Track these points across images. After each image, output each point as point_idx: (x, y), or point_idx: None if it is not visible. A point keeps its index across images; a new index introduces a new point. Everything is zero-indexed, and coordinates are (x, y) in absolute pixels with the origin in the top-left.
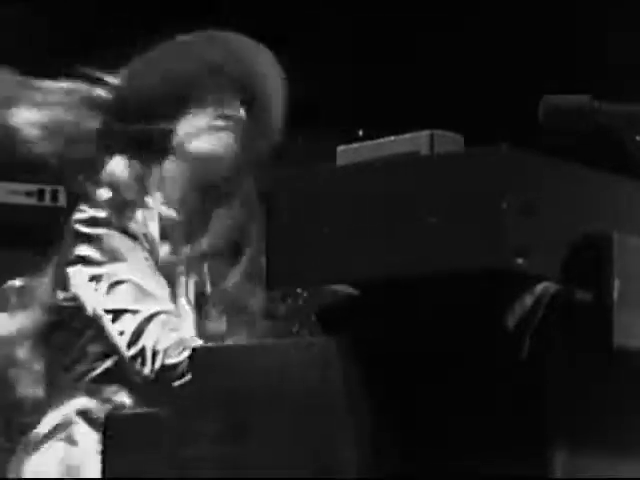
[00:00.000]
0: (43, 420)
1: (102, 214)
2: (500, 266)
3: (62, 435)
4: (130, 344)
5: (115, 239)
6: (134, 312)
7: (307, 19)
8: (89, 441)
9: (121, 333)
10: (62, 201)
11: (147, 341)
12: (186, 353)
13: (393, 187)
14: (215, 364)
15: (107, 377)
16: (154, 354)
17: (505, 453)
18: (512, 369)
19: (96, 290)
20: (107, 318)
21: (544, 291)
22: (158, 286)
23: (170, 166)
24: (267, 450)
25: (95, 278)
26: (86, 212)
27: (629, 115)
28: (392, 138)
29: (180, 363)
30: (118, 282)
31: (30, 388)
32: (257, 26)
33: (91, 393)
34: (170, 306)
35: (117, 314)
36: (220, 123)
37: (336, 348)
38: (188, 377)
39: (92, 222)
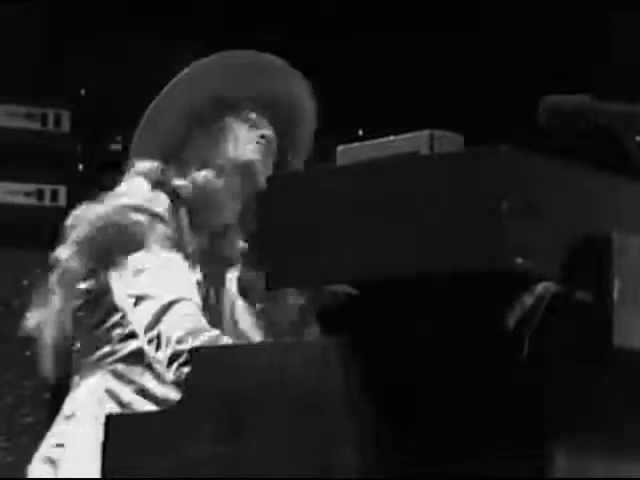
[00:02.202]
0: (71, 396)
1: (135, 201)
2: (500, 266)
3: (92, 413)
4: (147, 329)
5: (144, 229)
6: (154, 298)
7: (307, 19)
8: None
9: (140, 317)
10: (62, 201)
11: (163, 327)
12: (199, 340)
13: (393, 187)
14: (215, 364)
15: (132, 359)
16: (168, 340)
17: (505, 453)
18: (512, 369)
19: (121, 276)
20: (130, 302)
21: (544, 291)
22: (181, 274)
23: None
24: (267, 450)
25: (120, 265)
26: (121, 205)
27: (629, 115)
28: (392, 138)
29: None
30: (141, 269)
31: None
32: (257, 26)
33: (117, 374)
34: (191, 295)
35: (139, 299)
36: (260, 139)
37: (336, 348)
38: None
39: (125, 213)
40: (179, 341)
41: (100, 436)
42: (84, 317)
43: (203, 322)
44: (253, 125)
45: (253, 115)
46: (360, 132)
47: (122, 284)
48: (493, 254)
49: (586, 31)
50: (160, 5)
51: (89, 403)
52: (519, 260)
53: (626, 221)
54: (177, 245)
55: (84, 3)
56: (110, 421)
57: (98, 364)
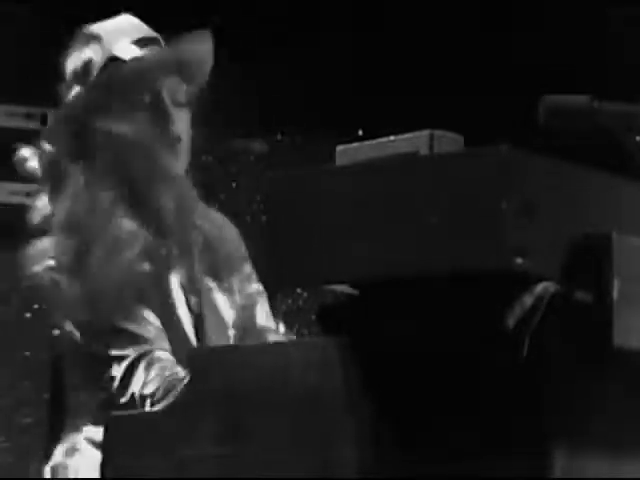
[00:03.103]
0: (58, 448)
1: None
2: (500, 266)
3: (67, 463)
4: (118, 393)
5: None
6: (119, 359)
7: (307, 19)
8: (93, 456)
9: (112, 379)
10: None
11: (134, 387)
12: (172, 394)
13: (393, 187)
14: (215, 364)
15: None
16: (142, 400)
17: (505, 453)
18: (512, 369)
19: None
20: (100, 364)
21: (544, 291)
22: (144, 323)
23: None
24: (267, 450)
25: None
26: None
27: (629, 115)
28: (392, 138)
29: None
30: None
31: None
32: (257, 26)
33: (97, 421)
34: (159, 343)
35: (106, 361)
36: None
37: (336, 348)
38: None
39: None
40: (154, 399)
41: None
42: (70, 363)
43: (171, 367)
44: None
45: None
46: (360, 132)
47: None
48: (493, 254)
49: (586, 31)
50: (161, 5)
51: (64, 453)
52: (519, 260)
53: (626, 221)
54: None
55: (84, 3)
56: (110, 421)
57: (82, 410)
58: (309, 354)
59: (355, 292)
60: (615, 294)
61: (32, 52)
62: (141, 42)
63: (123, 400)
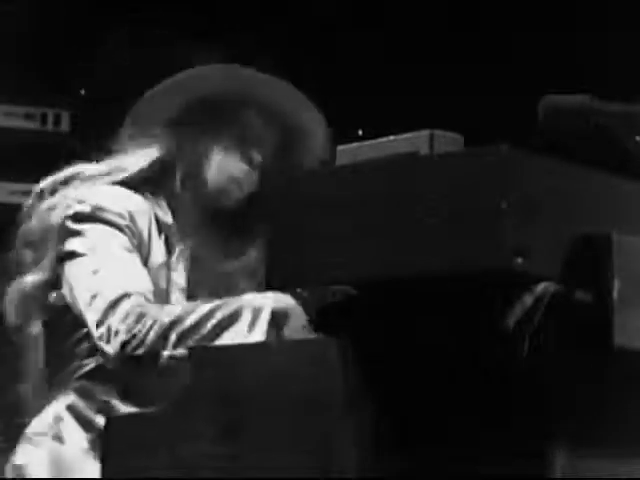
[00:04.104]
0: (35, 418)
1: (87, 209)
2: (500, 266)
3: (51, 433)
4: (98, 324)
5: (96, 231)
6: (103, 294)
7: (308, 19)
8: (76, 439)
9: (92, 315)
10: None
11: (112, 321)
12: (147, 323)
13: (393, 187)
14: (214, 364)
15: (96, 375)
16: (116, 332)
17: (505, 453)
18: (512, 369)
19: (77, 278)
20: (84, 303)
21: (544, 291)
22: (137, 271)
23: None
24: (266, 450)
25: (78, 268)
26: (71, 208)
27: (629, 115)
28: (392, 138)
29: (138, 333)
30: (96, 271)
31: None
32: (257, 26)
33: (80, 391)
34: (144, 287)
35: (91, 299)
36: (241, 176)
37: (336, 348)
38: (150, 345)
39: (77, 218)
40: (127, 330)
41: (60, 454)
42: (49, 334)
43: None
44: (241, 138)
45: (245, 122)
46: (360, 132)
47: (80, 285)
48: (493, 254)
49: (586, 31)
50: (161, 4)
51: (48, 422)
52: (519, 260)
53: (626, 221)
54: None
55: (84, 3)
56: (110, 421)
57: (65, 381)
58: (309, 354)
59: (355, 292)
60: (615, 294)
61: (32, 52)
62: None
63: (98, 333)
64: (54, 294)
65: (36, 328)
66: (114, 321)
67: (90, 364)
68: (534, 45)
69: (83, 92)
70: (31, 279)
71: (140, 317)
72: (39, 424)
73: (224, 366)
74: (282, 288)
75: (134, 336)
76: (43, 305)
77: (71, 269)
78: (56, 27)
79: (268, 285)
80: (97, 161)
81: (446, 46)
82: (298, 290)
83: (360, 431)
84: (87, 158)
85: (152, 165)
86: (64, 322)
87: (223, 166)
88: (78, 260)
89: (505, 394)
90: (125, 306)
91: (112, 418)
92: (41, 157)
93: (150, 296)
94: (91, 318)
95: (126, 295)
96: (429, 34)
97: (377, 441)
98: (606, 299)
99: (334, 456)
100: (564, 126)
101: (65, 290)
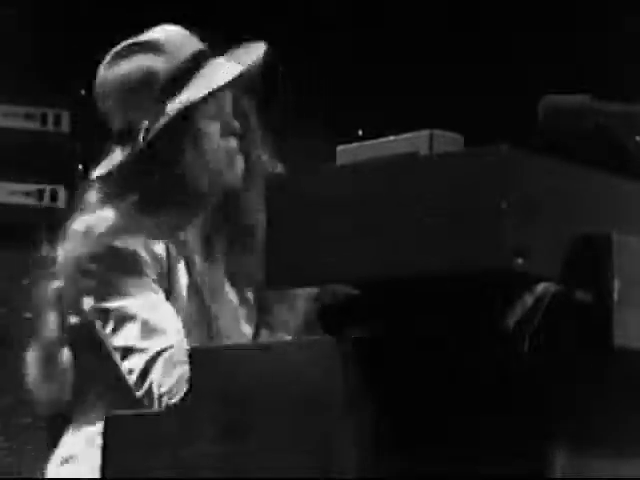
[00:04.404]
0: (69, 439)
1: (102, 250)
2: (500, 266)
3: (87, 459)
4: (137, 384)
5: (115, 276)
6: (141, 351)
7: (308, 19)
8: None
9: (130, 372)
10: (61, 201)
11: (153, 382)
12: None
13: (393, 187)
14: (215, 364)
15: (121, 401)
16: (160, 396)
17: (505, 453)
18: (512, 369)
19: (104, 327)
20: (116, 355)
21: (544, 291)
22: (164, 318)
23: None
24: (267, 450)
25: (102, 313)
26: (88, 246)
27: (629, 115)
28: (392, 138)
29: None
30: (125, 319)
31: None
32: (257, 26)
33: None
34: (178, 338)
35: (125, 352)
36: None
37: (336, 348)
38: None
39: (94, 258)
40: (170, 396)
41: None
42: (78, 355)
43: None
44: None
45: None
46: (360, 132)
47: (105, 335)
48: (493, 254)
49: (586, 31)
50: (161, 4)
51: (82, 447)
52: (519, 260)
53: (626, 221)
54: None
55: (84, 3)
56: (110, 421)
57: (90, 404)
58: (309, 354)
59: (355, 292)
60: (615, 294)
61: (32, 52)
62: (201, 54)
63: (139, 393)
64: (74, 319)
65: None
66: (154, 383)
67: (114, 389)
68: (534, 45)
69: (83, 92)
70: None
71: (184, 381)
72: (73, 447)
73: (224, 366)
74: (282, 288)
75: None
76: (65, 326)
77: (95, 311)
78: (56, 27)
79: (268, 285)
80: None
81: (446, 46)
82: (298, 290)
83: (360, 431)
84: (87, 158)
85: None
86: (90, 344)
87: (217, 149)
88: (104, 305)
89: (505, 394)
90: (162, 364)
91: (112, 418)
92: (41, 157)
93: (181, 338)
94: (128, 374)
95: (162, 351)
96: (429, 34)
97: (377, 441)
98: (606, 299)
99: (334, 456)
100: (564, 126)
101: (93, 322)
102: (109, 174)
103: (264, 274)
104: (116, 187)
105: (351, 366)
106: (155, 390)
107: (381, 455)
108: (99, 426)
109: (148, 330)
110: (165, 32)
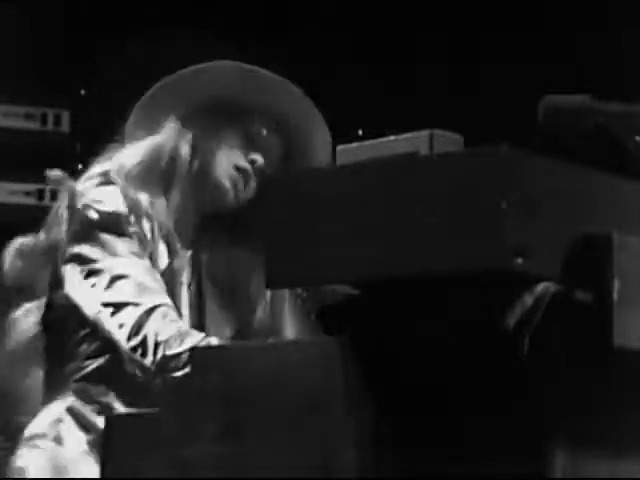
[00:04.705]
0: (34, 418)
1: (94, 215)
2: (500, 266)
3: (51, 435)
4: (130, 336)
5: (111, 239)
6: (135, 305)
7: (308, 19)
8: (76, 441)
9: (121, 326)
10: None
11: (148, 332)
12: (187, 344)
13: (393, 187)
14: (215, 364)
15: (96, 377)
16: (156, 345)
17: (505, 453)
18: (512, 369)
19: (94, 285)
20: (106, 312)
21: (544, 291)
22: (156, 281)
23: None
24: (267, 450)
25: (93, 273)
26: (77, 211)
27: (629, 115)
28: (392, 138)
29: (181, 353)
30: (118, 277)
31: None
32: (257, 25)
33: (79, 393)
34: (168, 300)
35: (117, 307)
36: (242, 166)
37: (336, 348)
38: (187, 369)
39: (85, 223)
40: (167, 346)
41: (59, 456)
42: (49, 334)
43: (186, 326)
44: (247, 141)
45: (253, 127)
46: (360, 132)
47: (94, 294)
48: (493, 254)
49: (586, 31)
50: (162, 4)
51: (48, 424)
52: (519, 260)
53: (626, 221)
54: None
55: (84, 3)
56: (110, 421)
57: (64, 383)
58: (309, 354)
59: (355, 292)
60: (615, 294)
61: (32, 52)
62: None
63: (133, 343)
64: (56, 293)
65: (18, 312)
66: (150, 333)
67: (90, 365)
68: (534, 45)
69: (83, 92)
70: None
71: (181, 336)
72: (38, 426)
73: (224, 366)
74: (282, 288)
75: (176, 356)
76: (45, 303)
77: (78, 275)
78: (56, 27)
79: (268, 285)
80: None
81: (446, 46)
82: (299, 290)
83: (360, 431)
84: (87, 158)
85: (156, 159)
86: (66, 322)
87: (226, 163)
88: (89, 267)
89: (505, 394)
90: (160, 318)
91: (112, 418)
92: (41, 157)
93: (172, 304)
94: (118, 327)
95: (158, 306)
96: (429, 34)
97: (377, 441)
98: (606, 299)
99: (334, 456)
100: (564, 126)
101: (71, 292)
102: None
103: (264, 274)
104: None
105: (351, 366)
106: (151, 339)
107: (381, 455)
108: (70, 399)
109: (141, 288)
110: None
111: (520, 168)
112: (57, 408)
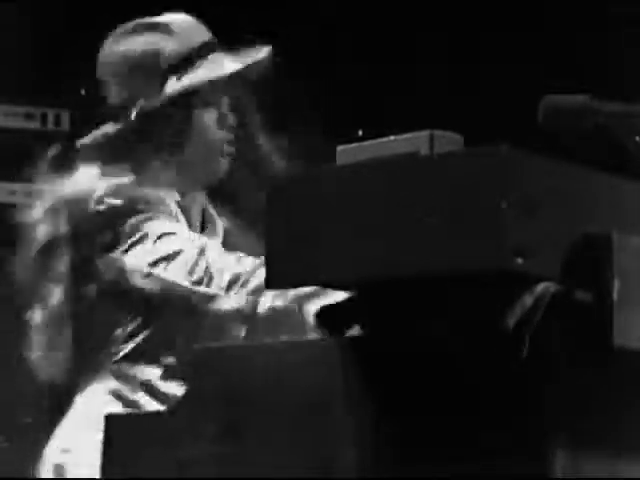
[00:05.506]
0: (76, 403)
1: (117, 201)
2: (500, 266)
3: (100, 418)
4: (191, 270)
5: (138, 219)
6: (186, 250)
7: (308, 19)
8: None
9: (178, 267)
10: None
11: (209, 263)
12: (254, 282)
13: (393, 187)
14: (214, 364)
15: (134, 356)
16: (219, 270)
17: (505, 453)
18: (512, 369)
19: (144, 245)
20: (160, 267)
21: (544, 291)
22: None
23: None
24: (266, 450)
25: (135, 243)
26: (97, 201)
27: (629, 115)
28: (392, 138)
29: (253, 290)
30: (162, 235)
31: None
32: (257, 26)
33: (119, 374)
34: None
35: (170, 257)
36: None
37: (336, 348)
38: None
39: (110, 211)
40: (235, 276)
41: None
42: (87, 316)
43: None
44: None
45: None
46: (360, 132)
47: (143, 254)
48: (493, 254)
49: (586, 31)
50: (160, 3)
51: (95, 406)
52: (519, 260)
53: (626, 221)
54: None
55: (84, 3)
56: (110, 421)
57: (101, 365)
58: (309, 354)
59: (355, 292)
60: (615, 294)
61: (32, 52)
62: (209, 44)
63: (195, 277)
64: (86, 286)
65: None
66: (211, 264)
67: (127, 347)
68: (534, 45)
69: (83, 92)
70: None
71: (242, 275)
72: (82, 408)
73: (225, 366)
74: (282, 288)
75: (248, 284)
76: (72, 295)
77: (119, 254)
78: (56, 27)
79: (268, 285)
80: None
81: (446, 46)
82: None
83: (360, 431)
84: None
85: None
86: (96, 312)
87: (203, 132)
88: (129, 241)
89: (505, 394)
90: (214, 254)
91: (112, 418)
92: (41, 157)
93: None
94: (175, 271)
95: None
96: (429, 34)
97: (377, 441)
98: (606, 299)
99: (334, 456)
100: (564, 126)
101: (117, 274)
102: (97, 145)
103: (264, 274)
104: (104, 158)
105: (351, 366)
106: (214, 269)
107: (381, 455)
108: (112, 383)
109: (188, 239)
110: (177, 17)
111: (520, 168)
112: (100, 391)
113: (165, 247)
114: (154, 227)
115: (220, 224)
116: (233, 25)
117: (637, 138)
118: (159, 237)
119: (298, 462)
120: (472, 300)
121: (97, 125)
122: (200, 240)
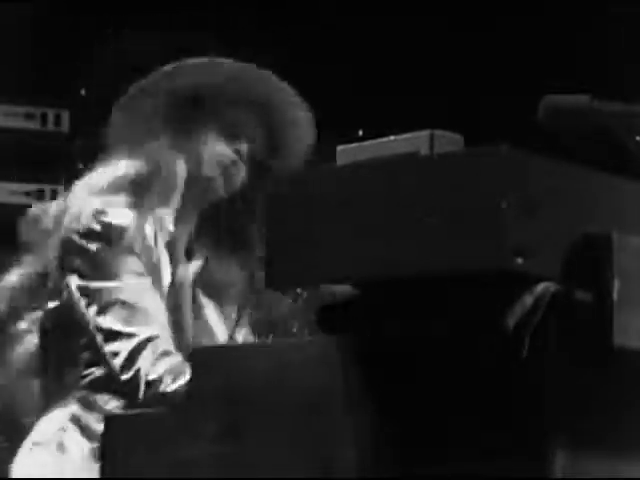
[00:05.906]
0: (36, 425)
1: (97, 227)
2: (500, 266)
3: (54, 442)
4: (123, 368)
5: (108, 254)
6: (127, 336)
7: (308, 19)
8: (79, 449)
9: (114, 355)
10: None
11: (140, 368)
12: (179, 381)
13: (393, 187)
14: (214, 364)
15: (99, 385)
16: (147, 383)
17: (505, 453)
18: (512, 369)
19: (89, 305)
20: (100, 336)
21: (544, 291)
22: (151, 304)
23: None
24: (266, 450)
25: (87, 294)
26: (79, 221)
27: (629, 115)
28: (392, 138)
29: (173, 392)
30: (109, 302)
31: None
32: (257, 25)
33: (83, 401)
34: (163, 327)
35: (110, 335)
36: (228, 156)
37: (336, 348)
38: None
39: (87, 234)
40: (160, 383)
41: (63, 465)
42: (53, 339)
43: (178, 358)
44: (231, 135)
45: (235, 118)
46: (360, 132)
47: (89, 315)
48: (493, 254)
49: (586, 31)
50: (161, 5)
51: (52, 432)
52: (519, 260)
53: (626, 221)
54: (145, 255)
55: (84, 3)
56: (110, 421)
57: (65, 390)
58: (309, 354)
59: (355, 292)
60: (615, 294)
61: (32, 52)
62: None
63: (125, 377)
64: (55, 301)
65: (23, 324)
66: (142, 369)
67: (93, 374)
68: (534, 45)
69: (83, 92)
70: (20, 272)
71: (172, 372)
72: (41, 434)
73: (225, 366)
74: (282, 288)
75: (167, 395)
76: (34, 298)
77: (76, 290)
78: (56, 27)
79: (268, 285)
80: (95, 162)
81: (447, 46)
82: (298, 290)
83: (360, 431)
84: (87, 158)
85: (149, 167)
86: (67, 329)
87: (213, 157)
88: (86, 284)
89: (505, 394)
90: (150, 351)
91: (112, 418)
92: (41, 157)
93: (167, 334)
94: (110, 358)
95: (151, 339)
96: (430, 34)
97: (377, 441)
98: (606, 299)
99: (334, 456)
100: (564, 126)
101: (74, 303)
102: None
103: (264, 274)
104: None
105: (351, 366)
106: (142, 377)
107: (381, 455)
108: (74, 408)
109: (135, 314)
110: None
111: (520, 168)
112: (60, 416)
113: (109, 322)
114: (109, 286)
115: (203, 253)
116: (235, 27)
117: (637, 138)
118: (109, 303)
119: (298, 462)
120: (472, 300)
121: (97, 125)
122: (145, 320)
